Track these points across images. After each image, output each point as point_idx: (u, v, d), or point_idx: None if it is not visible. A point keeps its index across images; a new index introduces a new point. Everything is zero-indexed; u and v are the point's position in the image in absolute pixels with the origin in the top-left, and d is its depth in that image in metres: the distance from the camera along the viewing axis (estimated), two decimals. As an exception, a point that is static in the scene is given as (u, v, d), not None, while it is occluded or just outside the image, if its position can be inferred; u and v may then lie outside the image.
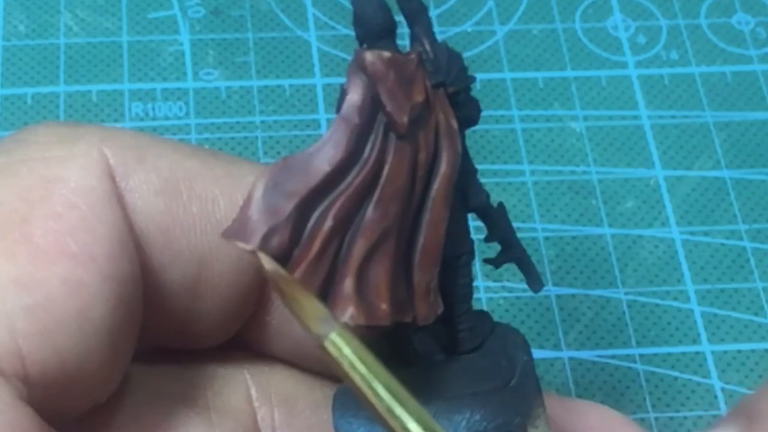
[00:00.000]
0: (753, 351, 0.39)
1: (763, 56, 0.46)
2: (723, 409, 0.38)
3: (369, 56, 0.21)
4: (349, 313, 0.21)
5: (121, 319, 0.23)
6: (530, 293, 0.30)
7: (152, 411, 0.25)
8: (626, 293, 0.41)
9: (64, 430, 0.23)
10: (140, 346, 0.24)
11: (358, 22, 0.22)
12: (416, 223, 0.22)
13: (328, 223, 0.21)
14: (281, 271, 0.20)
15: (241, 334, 0.26)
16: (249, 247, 0.21)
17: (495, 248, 0.27)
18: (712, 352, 0.40)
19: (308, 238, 0.21)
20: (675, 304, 0.41)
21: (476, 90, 0.45)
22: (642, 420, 0.38)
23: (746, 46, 0.46)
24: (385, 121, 0.21)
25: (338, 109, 0.21)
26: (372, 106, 0.21)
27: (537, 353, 0.39)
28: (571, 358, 0.39)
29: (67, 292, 0.22)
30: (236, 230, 0.21)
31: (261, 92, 0.43)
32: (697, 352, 0.40)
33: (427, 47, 0.22)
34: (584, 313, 0.40)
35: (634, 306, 0.40)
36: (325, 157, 0.21)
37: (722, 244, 0.42)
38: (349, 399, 0.23)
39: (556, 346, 0.39)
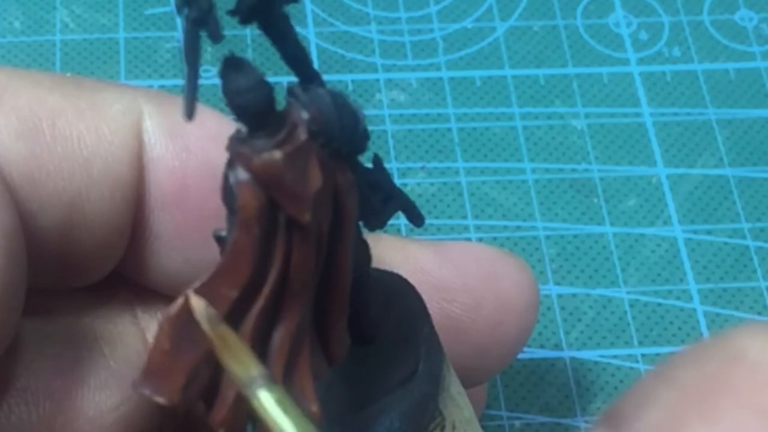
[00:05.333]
0: (756, 351, 0.39)
1: (767, 53, 0.46)
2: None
3: (259, 161, 0.18)
4: None
5: (11, 273, 0.22)
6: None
7: (44, 359, 0.24)
8: (628, 292, 0.40)
9: None
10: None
11: (232, 107, 0.18)
12: (323, 281, 0.20)
13: None
14: (219, 324, 0.19)
15: (120, 270, 0.26)
16: (169, 403, 0.19)
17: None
18: (715, 352, 0.39)
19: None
20: (677, 303, 0.40)
21: (477, 87, 0.45)
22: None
23: (749, 42, 0.46)
24: (286, 218, 0.19)
25: (224, 199, 0.19)
26: (269, 209, 0.19)
27: (538, 353, 0.39)
28: (572, 359, 0.39)
29: None
30: (151, 384, 0.19)
31: (259, 89, 0.43)
32: (700, 352, 0.39)
33: (315, 114, 0.19)
34: (585, 312, 0.40)
35: (636, 305, 0.40)
36: (228, 282, 0.19)
37: (725, 243, 0.41)
38: None
39: (557, 346, 0.39)
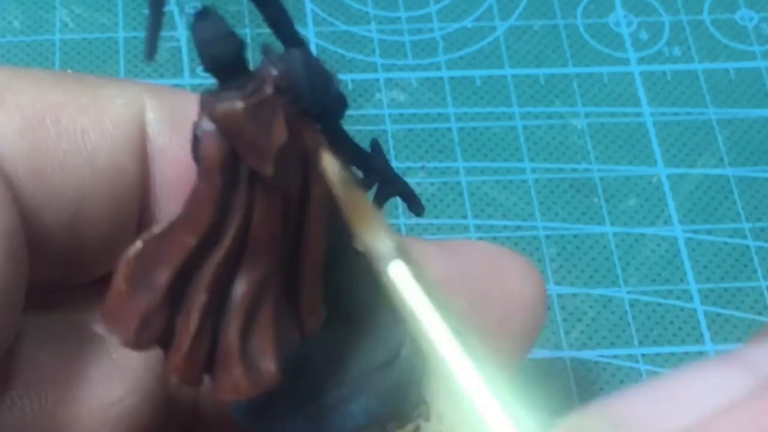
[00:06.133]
0: (757, 351, 0.39)
1: (767, 52, 0.46)
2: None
3: (221, 110, 0.19)
4: (238, 390, 0.20)
5: (11, 273, 0.22)
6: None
7: (46, 353, 0.24)
8: (628, 292, 0.40)
9: None
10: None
11: (202, 56, 0.19)
12: (294, 247, 0.21)
13: (202, 297, 0.20)
14: (348, 183, 0.19)
15: None
16: (124, 344, 0.20)
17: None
18: (716, 352, 0.39)
19: (185, 316, 0.20)
20: (678, 303, 0.40)
21: (477, 87, 0.45)
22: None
23: (750, 42, 0.46)
24: (249, 171, 0.19)
25: (192, 151, 0.20)
26: (232, 160, 0.19)
27: (538, 353, 0.39)
28: (572, 359, 0.39)
29: None
30: (109, 324, 0.20)
31: (259, 89, 0.43)
32: (701, 352, 0.39)
33: (282, 70, 0.19)
34: (586, 312, 0.40)
35: (637, 305, 0.40)
36: (188, 229, 0.20)
37: (725, 243, 0.41)
38: None
39: (558, 346, 0.39)
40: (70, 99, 0.24)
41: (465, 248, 0.29)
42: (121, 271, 0.20)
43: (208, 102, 0.19)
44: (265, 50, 0.20)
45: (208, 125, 0.19)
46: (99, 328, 0.20)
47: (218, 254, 0.20)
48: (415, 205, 0.24)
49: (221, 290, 0.20)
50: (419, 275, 0.18)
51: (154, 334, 0.20)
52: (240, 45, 0.19)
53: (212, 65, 0.19)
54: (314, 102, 0.20)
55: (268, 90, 0.19)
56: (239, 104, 0.19)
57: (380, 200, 0.23)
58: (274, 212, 0.20)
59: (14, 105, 0.23)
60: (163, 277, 0.20)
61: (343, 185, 0.19)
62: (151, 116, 0.25)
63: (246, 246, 0.20)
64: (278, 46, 0.21)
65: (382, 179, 0.23)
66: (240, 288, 0.20)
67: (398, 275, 0.18)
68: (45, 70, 0.26)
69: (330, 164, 0.20)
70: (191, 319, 0.20)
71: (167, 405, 0.26)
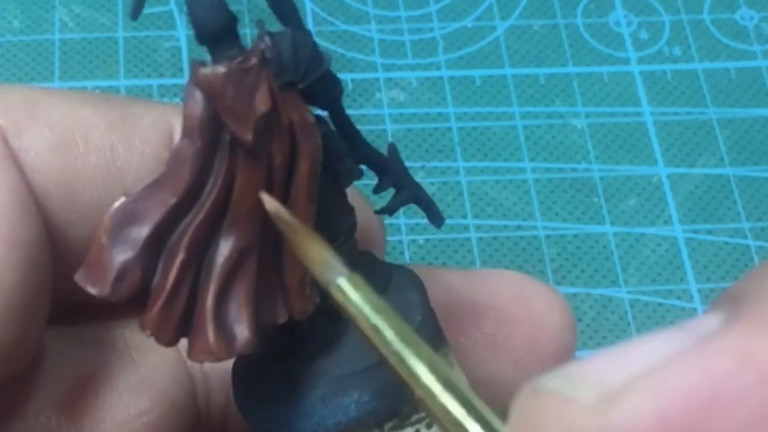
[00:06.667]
0: (757, 351, 0.39)
1: (767, 52, 0.46)
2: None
3: (203, 72, 0.20)
4: (209, 351, 0.20)
5: (31, 286, 0.22)
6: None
7: (73, 362, 0.25)
8: (628, 292, 0.40)
9: None
10: (51, 304, 0.24)
11: (194, 24, 0.20)
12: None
13: (180, 255, 0.20)
14: (286, 215, 0.20)
15: None
16: (100, 294, 0.20)
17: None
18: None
19: (162, 274, 0.20)
20: (678, 303, 0.40)
21: (477, 86, 0.45)
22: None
23: (750, 41, 0.46)
24: (230, 136, 0.20)
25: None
26: (214, 124, 0.20)
27: (538, 353, 0.39)
28: (572, 359, 0.39)
29: None
30: (87, 275, 0.21)
31: (258, 88, 0.43)
32: (701, 352, 0.39)
33: (269, 43, 0.20)
34: (586, 312, 0.40)
35: (637, 305, 0.40)
36: (169, 188, 0.20)
37: (726, 243, 0.41)
38: (248, 371, 0.23)
39: (558, 346, 0.39)
40: (100, 116, 0.24)
41: (490, 275, 0.29)
42: (103, 223, 0.20)
43: (195, 66, 0.20)
44: (259, 24, 0.20)
45: (193, 88, 0.20)
46: (79, 279, 0.21)
47: (198, 215, 0.20)
48: (433, 215, 0.24)
49: (201, 253, 0.21)
50: (367, 293, 0.19)
51: (130, 287, 0.20)
52: (230, 16, 0.20)
53: (202, 35, 0.20)
54: (299, 76, 0.20)
55: (253, 59, 0.20)
56: (221, 69, 0.20)
57: (395, 205, 0.23)
58: (256, 181, 0.20)
59: (45, 121, 0.24)
60: (142, 232, 0.20)
61: (283, 215, 0.20)
62: (178, 135, 0.25)
63: (228, 212, 0.20)
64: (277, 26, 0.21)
65: (397, 184, 0.23)
66: (220, 253, 0.21)
67: (346, 289, 0.19)
68: (74, 90, 0.26)
69: (268, 202, 0.20)
70: (168, 277, 0.20)
71: (195, 420, 0.26)
